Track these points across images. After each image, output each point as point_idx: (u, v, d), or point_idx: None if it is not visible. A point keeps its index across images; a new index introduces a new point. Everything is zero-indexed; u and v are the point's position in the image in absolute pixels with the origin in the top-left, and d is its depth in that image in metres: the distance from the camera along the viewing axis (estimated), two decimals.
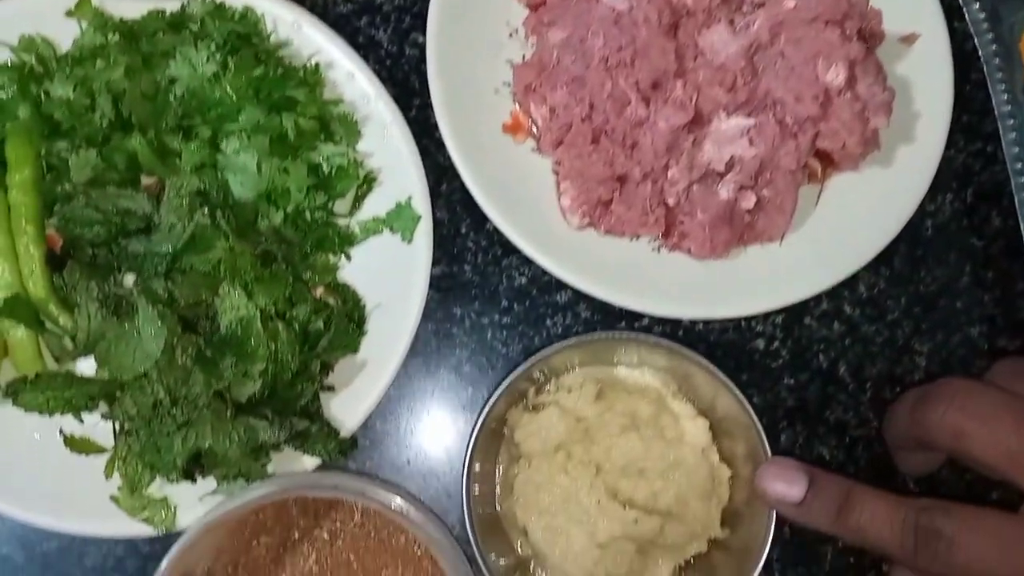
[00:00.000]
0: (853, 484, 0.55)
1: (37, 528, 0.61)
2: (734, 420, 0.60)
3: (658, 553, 0.60)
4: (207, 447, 0.54)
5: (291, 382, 0.58)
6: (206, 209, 0.57)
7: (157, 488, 0.58)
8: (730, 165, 0.62)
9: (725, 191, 0.62)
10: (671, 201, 0.63)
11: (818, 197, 0.67)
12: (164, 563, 0.52)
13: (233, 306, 0.56)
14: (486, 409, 0.58)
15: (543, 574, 0.60)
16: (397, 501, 0.55)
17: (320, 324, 0.59)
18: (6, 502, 0.58)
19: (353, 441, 0.60)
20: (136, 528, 0.58)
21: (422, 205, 0.62)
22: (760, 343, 0.67)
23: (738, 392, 0.59)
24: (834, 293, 0.68)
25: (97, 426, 0.59)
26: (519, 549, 0.61)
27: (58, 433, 0.58)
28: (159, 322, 0.54)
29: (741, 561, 0.58)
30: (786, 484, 0.55)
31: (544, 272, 0.66)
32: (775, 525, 0.57)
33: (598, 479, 0.59)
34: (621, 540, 0.58)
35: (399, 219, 0.62)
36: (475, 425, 0.58)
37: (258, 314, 0.56)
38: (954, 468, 0.65)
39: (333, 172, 0.61)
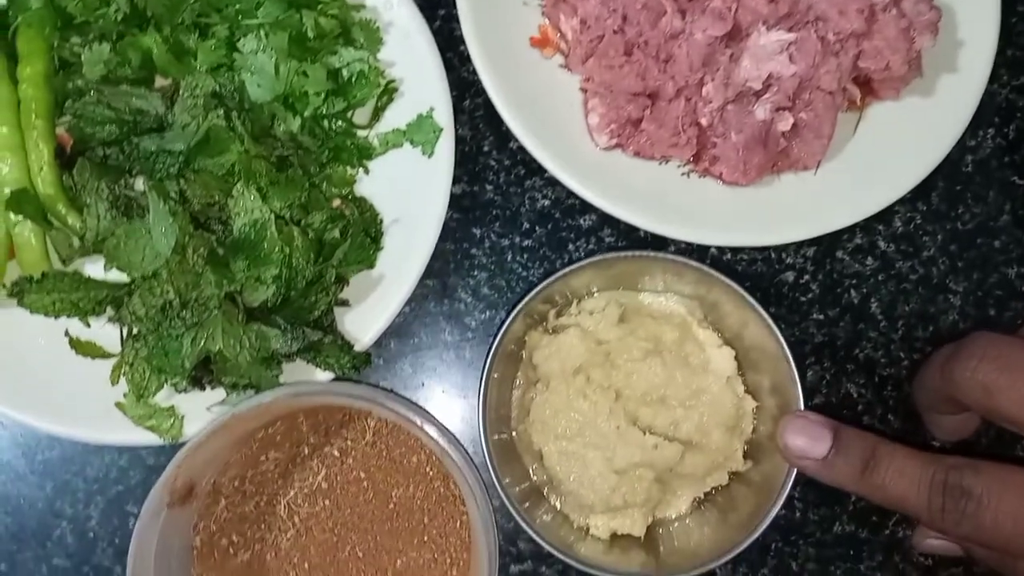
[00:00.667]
0: (879, 440, 0.53)
1: (39, 436, 0.60)
2: (762, 351, 0.57)
3: (677, 484, 0.58)
4: (217, 351, 0.52)
5: (305, 291, 0.56)
6: (221, 111, 0.55)
7: (164, 398, 0.57)
8: (768, 83, 0.59)
9: (761, 112, 0.60)
10: (704, 121, 0.60)
11: (856, 126, 0.64)
12: (170, 466, 0.50)
13: (247, 208, 0.54)
14: (503, 328, 0.56)
15: (557, 500, 0.59)
16: (415, 416, 0.53)
17: (336, 233, 0.57)
18: (9, 405, 0.56)
19: (367, 357, 0.58)
20: (141, 436, 0.56)
21: (444, 117, 0.59)
22: (790, 276, 0.65)
23: (769, 320, 0.56)
24: (868, 227, 0.65)
25: (103, 332, 0.57)
26: (533, 475, 0.59)
27: (64, 335, 0.56)
28: (170, 219, 0.52)
29: (762, 496, 0.56)
30: (809, 439, 0.53)
31: (568, 195, 0.64)
32: (795, 473, 0.55)
33: (617, 405, 0.57)
34: (639, 467, 0.56)
35: (420, 131, 0.60)
36: (492, 346, 0.56)
37: (272, 217, 0.54)
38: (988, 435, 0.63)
39: (353, 78, 0.58)
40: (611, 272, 0.59)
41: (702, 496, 0.59)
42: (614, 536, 0.57)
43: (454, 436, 0.60)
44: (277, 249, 0.54)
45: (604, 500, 0.56)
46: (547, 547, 0.53)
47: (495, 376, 0.56)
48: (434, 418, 0.60)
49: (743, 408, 0.58)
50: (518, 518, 0.53)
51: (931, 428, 0.61)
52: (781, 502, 0.54)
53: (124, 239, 0.53)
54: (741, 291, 0.56)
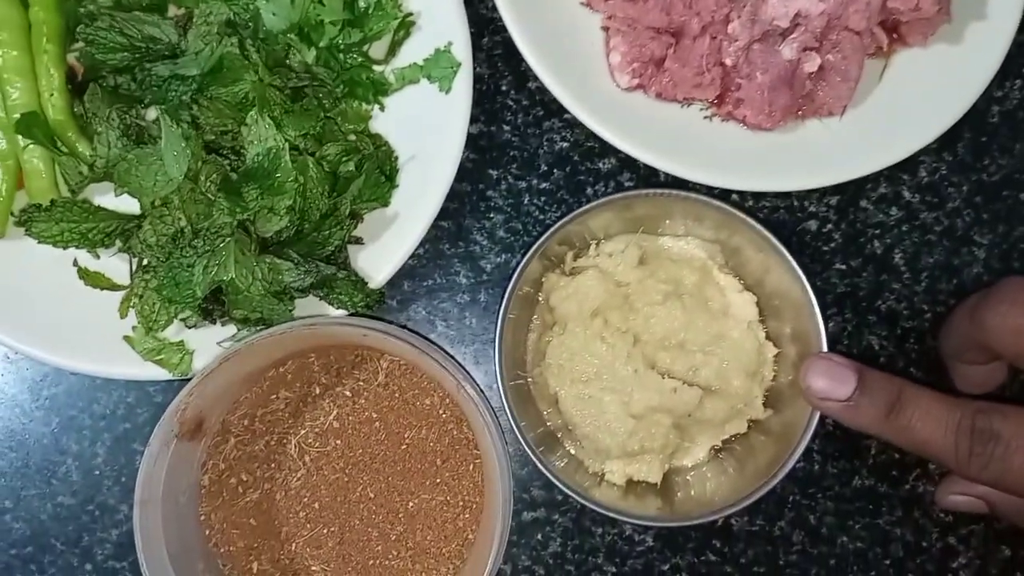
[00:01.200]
0: (905, 383, 0.52)
1: (45, 370, 0.59)
2: (784, 297, 0.56)
3: (695, 430, 0.56)
4: (229, 281, 0.51)
5: (318, 224, 0.54)
6: (235, 40, 0.54)
7: (174, 333, 0.55)
8: (795, 22, 0.57)
9: (788, 51, 0.58)
10: (729, 61, 0.59)
11: (882, 72, 0.62)
12: (181, 393, 0.49)
13: (261, 137, 0.52)
14: (520, 268, 0.55)
15: (572, 446, 0.57)
16: (430, 351, 0.51)
17: (351, 167, 0.55)
18: (16, 338, 0.55)
19: (380, 294, 0.56)
20: (149, 371, 0.55)
21: (462, 52, 0.58)
22: (812, 224, 0.63)
23: (794, 264, 0.55)
24: (893, 176, 0.64)
25: (112, 265, 0.56)
26: (548, 420, 0.58)
27: (72, 264, 0.55)
28: (183, 143, 0.50)
29: (780, 445, 0.54)
30: (833, 380, 0.51)
31: (587, 137, 0.63)
32: (817, 418, 0.54)
33: (636, 349, 0.56)
34: (657, 412, 0.55)
35: (437, 67, 0.58)
36: (508, 287, 0.55)
37: (287, 146, 0.52)
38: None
39: (370, 9, 0.57)
40: (631, 214, 0.58)
41: (720, 444, 0.58)
42: (630, 482, 0.56)
43: (469, 374, 0.58)
44: (291, 179, 0.52)
45: (620, 445, 0.54)
46: (563, 489, 0.52)
47: (511, 317, 0.55)
48: (449, 355, 0.58)
49: (764, 355, 0.57)
50: (535, 460, 0.52)
51: (956, 380, 0.60)
52: (801, 451, 0.53)
53: (135, 164, 0.51)
54: (765, 233, 0.55)
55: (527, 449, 0.52)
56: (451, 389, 0.52)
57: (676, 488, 0.57)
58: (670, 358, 0.55)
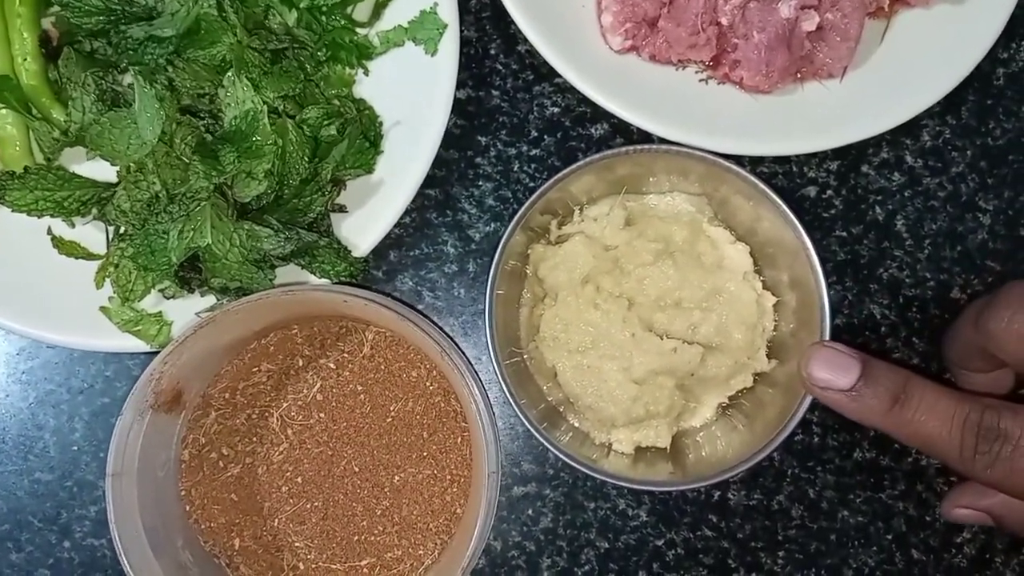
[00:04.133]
0: (911, 374, 0.49)
1: (20, 343, 0.57)
2: (779, 244, 0.54)
3: (700, 390, 0.55)
4: (206, 247, 0.49)
5: (299, 190, 0.53)
6: (213, 1, 0.52)
7: (152, 304, 0.54)
8: None
9: (786, 9, 0.56)
10: (725, 20, 0.57)
11: (884, 33, 0.60)
12: (155, 360, 0.48)
13: (238, 99, 0.51)
14: (503, 242, 0.53)
15: (576, 419, 0.56)
16: (415, 319, 0.50)
17: (333, 131, 0.54)
18: None
19: (364, 263, 0.55)
20: (127, 343, 0.53)
21: (449, 13, 0.56)
22: (812, 191, 0.61)
23: (784, 208, 0.52)
24: (895, 141, 0.62)
25: (88, 235, 0.55)
26: (548, 395, 0.56)
27: (47, 234, 0.53)
28: (156, 104, 0.49)
29: (788, 397, 0.52)
30: (835, 369, 0.49)
31: (578, 102, 0.61)
32: None
33: (631, 313, 0.54)
34: (659, 374, 0.53)
35: (423, 28, 0.56)
36: (493, 262, 0.53)
37: (265, 109, 0.51)
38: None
39: None
40: (613, 176, 0.56)
41: (727, 401, 0.56)
42: (639, 450, 0.54)
43: (455, 344, 0.57)
44: (270, 142, 0.50)
45: (625, 412, 0.53)
46: (572, 464, 0.50)
47: (499, 294, 0.53)
48: (436, 325, 0.57)
49: (763, 305, 0.55)
50: (540, 438, 0.50)
51: (962, 387, 0.58)
52: (809, 401, 0.51)
53: (109, 127, 0.50)
54: (753, 180, 0.53)
55: (531, 427, 0.50)
56: (436, 358, 0.50)
57: (686, 451, 0.55)
58: (667, 318, 0.53)
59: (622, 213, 0.55)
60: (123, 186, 0.50)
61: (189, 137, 0.49)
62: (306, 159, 0.52)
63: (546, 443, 0.51)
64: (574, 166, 0.53)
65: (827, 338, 0.52)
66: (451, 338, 0.57)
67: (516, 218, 0.53)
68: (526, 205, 0.53)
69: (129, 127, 0.50)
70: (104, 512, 0.56)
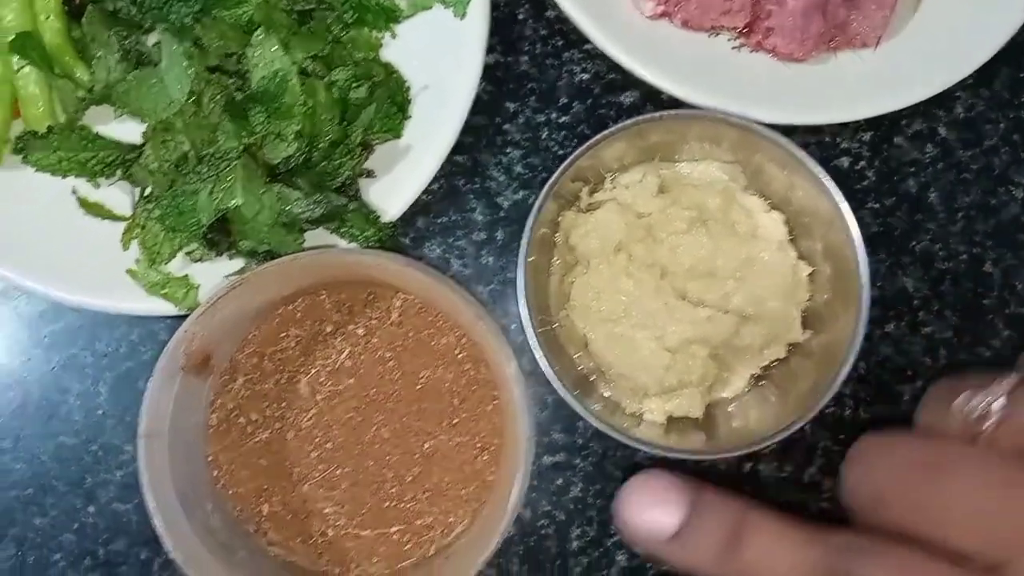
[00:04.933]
0: (748, 508, 0.42)
1: (44, 307, 0.56)
2: (814, 214, 0.53)
3: (733, 359, 0.54)
4: (236, 208, 0.49)
5: (328, 153, 0.52)
6: None
7: (179, 268, 0.53)
8: None
9: None
10: None
11: (918, 3, 0.60)
12: (187, 322, 0.47)
13: (267, 59, 0.50)
14: (536, 210, 0.52)
15: (607, 388, 0.55)
16: (445, 286, 0.49)
17: (362, 93, 0.53)
18: (15, 271, 0.53)
19: (392, 228, 0.54)
20: (154, 306, 0.53)
21: None
22: (845, 161, 0.61)
23: (821, 173, 0.51)
24: (928, 112, 0.61)
25: (112, 196, 0.54)
26: (579, 364, 0.55)
27: (72, 194, 0.53)
28: (185, 62, 0.48)
29: (822, 368, 0.52)
30: (657, 508, 0.41)
31: (608, 69, 0.60)
32: (863, 332, 0.51)
33: (664, 281, 0.53)
34: (693, 344, 0.52)
35: None
36: (525, 230, 0.52)
37: (295, 69, 0.50)
38: None
39: None
40: (644, 143, 0.55)
41: (759, 372, 0.55)
42: (671, 420, 0.54)
43: (492, 317, 0.56)
44: (299, 103, 0.50)
45: (658, 381, 0.52)
46: (606, 431, 0.50)
47: (531, 260, 0.53)
48: (470, 294, 0.56)
49: (798, 275, 0.54)
50: (575, 405, 0.50)
51: None
52: (845, 372, 0.50)
53: (135, 85, 0.49)
54: (789, 146, 0.52)
55: (565, 394, 0.50)
56: (470, 324, 0.50)
57: (718, 421, 0.55)
58: (701, 287, 0.53)
59: (655, 180, 0.55)
60: (151, 146, 0.49)
61: (219, 96, 0.49)
62: (336, 121, 0.51)
63: (580, 410, 0.50)
64: (608, 131, 0.52)
65: (866, 309, 0.51)
66: (482, 305, 0.56)
67: (549, 184, 0.52)
68: (559, 171, 0.52)
69: (156, 85, 0.49)
70: (129, 477, 0.56)
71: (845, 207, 0.52)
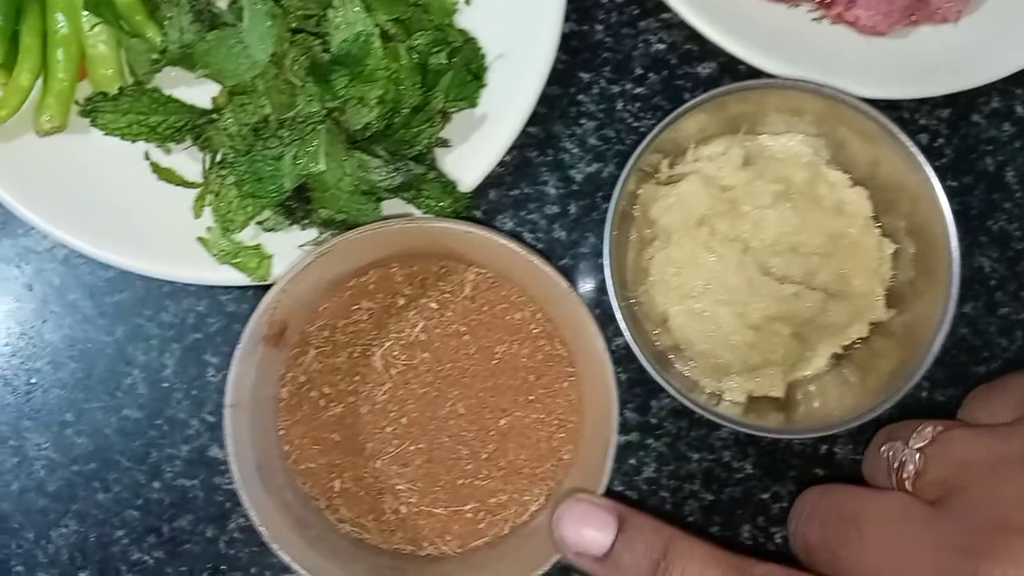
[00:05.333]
0: (675, 534, 0.45)
1: (108, 275, 0.55)
2: (899, 189, 0.52)
3: (815, 338, 0.53)
4: (317, 175, 0.47)
5: (408, 120, 0.50)
6: None
7: (250, 237, 0.52)
8: None
9: None
10: None
11: None
12: (273, 290, 0.45)
13: (349, 20, 0.48)
14: (620, 184, 0.51)
15: (685, 366, 0.54)
16: (534, 258, 0.48)
17: (443, 58, 0.51)
18: (81, 237, 0.51)
19: (469, 198, 0.52)
20: (225, 275, 0.51)
21: None
22: (923, 138, 0.59)
23: (913, 148, 0.50)
24: (1006, 90, 0.60)
25: (179, 162, 0.52)
26: (657, 341, 0.54)
27: (144, 158, 0.51)
28: (268, 21, 0.46)
29: (906, 350, 0.51)
30: (587, 530, 0.44)
31: (685, 39, 0.58)
32: (952, 312, 0.50)
33: (747, 257, 0.52)
34: (776, 321, 0.51)
35: None
36: (612, 201, 0.51)
37: (377, 31, 0.48)
38: None
39: None
40: (725, 114, 0.54)
41: (840, 351, 0.54)
42: (750, 399, 0.53)
43: (575, 290, 0.54)
44: (382, 67, 0.48)
45: (742, 359, 0.51)
46: (690, 406, 0.49)
47: (614, 234, 0.51)
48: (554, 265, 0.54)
49: (883, 252, 0.53)
50: (659, 379, 0.49)
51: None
52: (934, 354, 0.49)
53: (215, 46, 0.47)
54: (878, 116, 0.51)
55: (649, 368, 0.48)
56: (556, 297, 0.48)
57: (797, 402, 0.53)
58: (784, 263, 0.52)
59: (740, 152, 0.53)
60: (230, 108, 0.48)
61: (302, 58, 0.47)
62: (418, 87, 0.50)
63: (665, 384, 0.49)
64: (690, 104, 0.51)
65: (956, 288, 0.50)
66: (570, 280, 0.54)
67: (635, 155, 0.51)
68: (645, 142, 0.51)
69: (237, 46, 0.47)
70: (195, 452, 0.55)
71: (936, 182, 0.51)
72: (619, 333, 0.50)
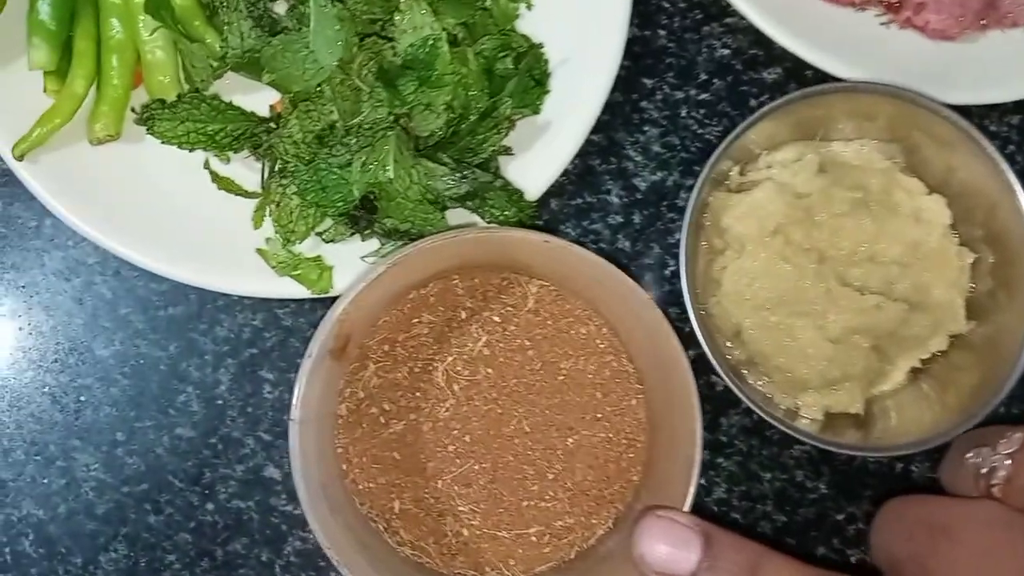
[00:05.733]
0: (763, 550, 0.42)
1: (160, 288, 0.53)
2: (975, 196, 0.50)
3: (894, 351, 0.51)
4: (385, 183, 0.45)
5: (474, 127, 0.49)
6: None
7: (309, 248, 0.50)
8: None
9: None
10: None
11: None
12: (342, 301, 0.44)
13: (416, 25, 0.47)
14: (696, 193, 0.49)
15: (759, 381, 0.52)
16: (620, 272, 0.46)
17: (509, 64, 0.50)
18: (135, 249, 0.50)
19: (534, 207, 0.51)
20: (283, 288, 0.50)
21: None
22: (994, 145, 0.58)
23: (992, 151, 0.49)
24: None
25: (234, 172, 0.51)
26: (729, 355, 0.52)
27: (204, 167, 0.49)
28: (337, 25, 0.45)
29: (987, 364, 0.49)
30: (672, 548, 0.41)
31: (750, 44, 0.57)
32: None
33: (824, 267, 0.50)
34: (855, 333, 0.49)
35: None
36: (687, 212, 0.49)
37: (444, 35, 0.47)
38: None
39: None
40: (796, 119, 0.52)
41: (919, 365, 0.52)
42: (827, 416, 0.51)
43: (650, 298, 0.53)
44: (450, 71, 0.47)
45: (820, 374, 0.49)
46: (768, 419, 0.47)
47: (689, 243, 0.50)
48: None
49: (962, 261, 0.51)
50: (736, 390, 0.47)
51: None
52: (1020, 368, 0.47)
53: (280, 51, 0.46)
54: (958, 120, 0.49)
55: (727, 379, 0.47)
56: (636, 309, 0.46)
57: (874, 419, 0.51)
58: (862, 273, 0.50)
59: (816, 159, 0.51)
60: (296, 115, 0.46)
61: (371, 63, 0.45)
62: (486, 92, 0.48)
63: (741, 394, 0.47)
64: (773, 104, 0.50)
65: None
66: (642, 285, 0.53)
67: (710, 163, 0.49)
68: (720, 148, 0.49)
69: (302, 51, 0.46)
70: (250, 472, 0.53)
71: (1019, 188, 0.49)
72: (687, 346, 0.48)
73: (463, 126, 0.48)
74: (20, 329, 0.53)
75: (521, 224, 0.51)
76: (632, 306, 0.47)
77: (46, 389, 0.53)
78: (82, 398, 0.53)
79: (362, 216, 0.48)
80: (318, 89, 0.46)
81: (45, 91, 0.50)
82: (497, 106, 0.49)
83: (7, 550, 0.52)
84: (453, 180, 0.47)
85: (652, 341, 0.47)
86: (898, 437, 0.51)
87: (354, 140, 0.45)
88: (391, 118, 0.45)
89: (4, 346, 0.53)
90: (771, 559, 0.42)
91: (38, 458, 0.53)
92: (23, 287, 0.53)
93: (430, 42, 0.46)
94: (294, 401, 0.43)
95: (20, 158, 0.49)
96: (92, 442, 0.53)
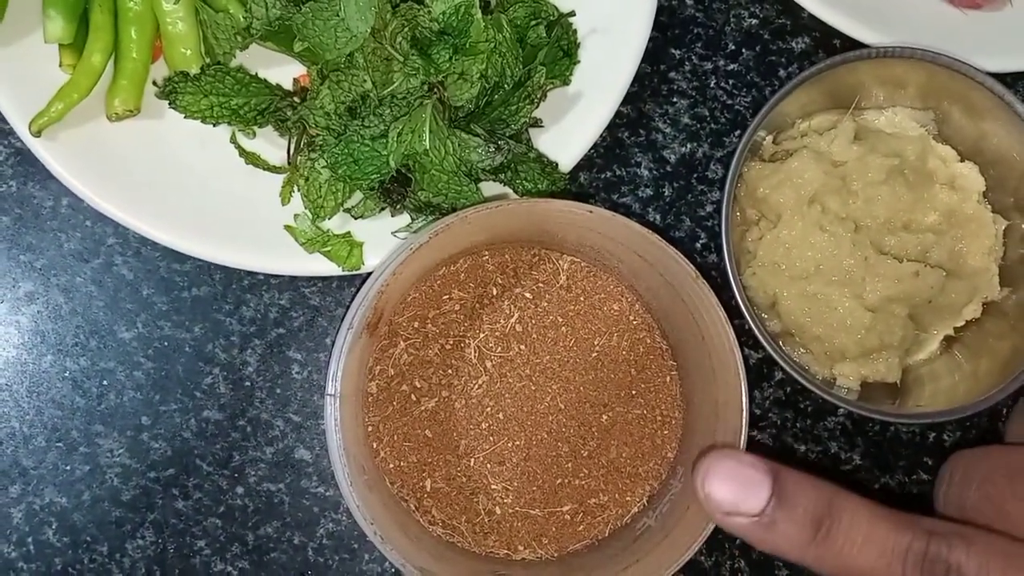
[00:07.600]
0: (836, 490, 0.40)
1: (185, 269, 0.52)
2: (1006, 164, 0.50)
3: (930, 319, 0.51)
4: (422, 153, 0.44)
5: (507, 98, 0.48)
6: None
7: (338, 224, 0.49)
8: None
9: None
10: None
11: None
12: (381, 273, 0.42)
13: None
14: (734, 166, 0.48)
15: (796, 351, 0.51)
16: (665, 244, 0.45)
17: (541, 31, 0.49)
18: (158, 227, 0.48)
19: (566, 179, 0.50)
20: (312, 265, 0.48)
21: None
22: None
23: None
24: None
25: (257, 147, 0.50)
26: (767, 327, 0.52)
27: (230, 141, 0.48)
28: None
29: (1021, 327, 0.49)
30: (740, 488, 0.39)
31: (778, 13, 0.56)
32: None
33: (860, 236, 0.50)
34: (893, 302, 0.49)
35: None
36: (726, 188, 0.48)
37: (477, 2, 0.46)
38: None
39: None
40: (829, 87, 0.52)
41: (952, 333, 0.52)
42: (864, 385, 0.50)
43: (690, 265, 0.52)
44: (484, 39, 0.45)
45: (858, 343, 0.49)
46: (809, 386, 0.47)
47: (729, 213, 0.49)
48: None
49: (996, 228, 0.51)
50: (777, 357, 0.47)
51: None
52: None
53: (311, 18, 0.44)
54: (993, 84, 0.49)
55: (770, 348, 0.46)
56: (680, 282, 0.46)
57: (909, 389, 0.51)
58: (898, 241, 0.49)
59: (852, 127, 0.51)
60: (327, 86, 0.45)
61: (405, 29, 0.44)
62: (520, 61, 0.47)
63: (782, 361, 0.47)
64: (809, 71, 0.49)
65: None
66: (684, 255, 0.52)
67: (748, 133, 0.48)
68: (757, 119, 0.49)
69: (333, 19, 0.44)
70: (280, 454, 0.52)
71: None
72: None
73: (496, 96, 0.47)
74: (39, 312, 0.52)
75: (552, 197, 0.50)
76: (675, 278, 0.46)
77: (67, 374, 0.52)
78: (104, 382, 0.52)
79: (395, 189, 0.47)
80: (349, 59, 0.45)
81: (61, 65, 0.49)
82: (531, 75, 0.48)
83: (30, 540, 0.51)
84: (488, 151, 0.46)
85: (694, 315, 0.47)
86: (933, 406, 0.51)
87: (387, 111, 0.44)
88: (425, 87, 0.44)
89: (22, 330, 0.52)
90: (846, 498, 0.40)
91: (60, 444, 0.51)
92: (40, 269, 0.52)
93: (463, 8, 0.45)
94: (331, 375, 0.42)
95: (37, 134, 0.48)
96: (116, 427, 0.51)
